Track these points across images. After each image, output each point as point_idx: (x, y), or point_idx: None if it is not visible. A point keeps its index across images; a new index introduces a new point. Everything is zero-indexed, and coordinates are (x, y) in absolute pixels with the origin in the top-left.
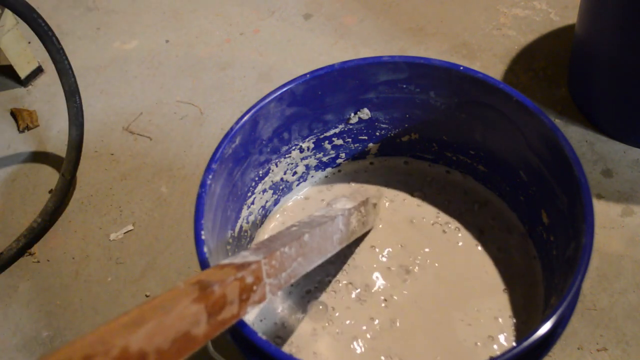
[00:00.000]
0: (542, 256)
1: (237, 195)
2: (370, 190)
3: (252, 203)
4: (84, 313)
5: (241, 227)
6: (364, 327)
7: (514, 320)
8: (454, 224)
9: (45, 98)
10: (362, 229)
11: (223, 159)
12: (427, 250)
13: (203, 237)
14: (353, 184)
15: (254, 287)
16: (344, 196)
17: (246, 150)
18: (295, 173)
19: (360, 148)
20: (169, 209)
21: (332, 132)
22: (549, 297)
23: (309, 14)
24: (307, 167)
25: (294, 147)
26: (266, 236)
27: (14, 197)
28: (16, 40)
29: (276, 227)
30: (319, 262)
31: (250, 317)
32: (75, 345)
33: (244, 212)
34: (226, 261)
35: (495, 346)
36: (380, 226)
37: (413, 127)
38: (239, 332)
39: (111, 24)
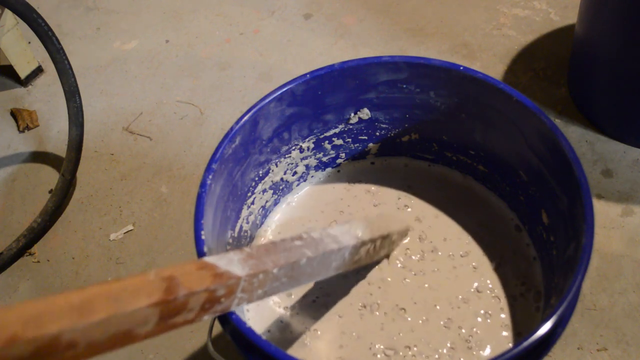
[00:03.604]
0: (542, 256)
1: (237, 195)
2: (398, 223)
3: (252, 203)
4: None
5: (241, 227)
6: (366, 326)
7: (513, 321)
8: (453, 224)
9: (45, 98)
10: (368, 260)
11: (223, 159)
12: (427, 250)
13: (203, 237)
14: (381, 211)
15: (222, 300)
16: (366, 220)
17: (246, 150)
18: (295, 173)
19: (360, 148)
20: (169, 209)
21: (332, 132)
22: (549, 297)
23: (309, 14)
24: (307, 167)
25: (294, 147)
26: (269, 237)
27: (14, 197)
28: (16, 40)
29: (276, 227)
30: (305, 283)
31: (251, 316)
32: (10, 314)
33: (244, 212)
34: (211, 260)
35: (489, 348)
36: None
37: (413, 127)
38: (239, 332)
39: (111, 24)
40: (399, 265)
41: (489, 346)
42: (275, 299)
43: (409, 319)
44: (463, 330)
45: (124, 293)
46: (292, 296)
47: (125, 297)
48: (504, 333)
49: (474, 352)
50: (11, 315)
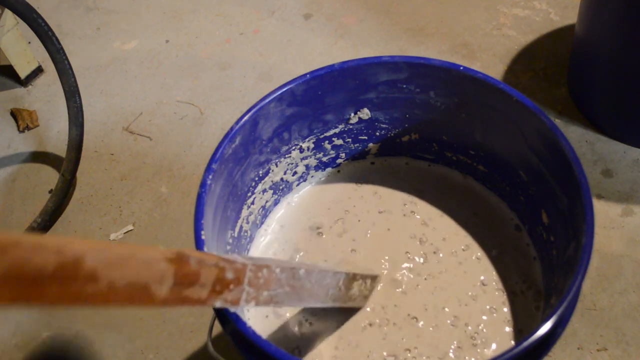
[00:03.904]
0: (542, 256)
1: (237, 195)
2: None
3: (252, 203)
4: (83, 314)
5: (241, 227)
6: (366, 327)
7: (514, 320)
8: (453, 224)
9: (45, 98)
10: (359, 302)
11: (223, 159)
12: (427, 250)
13: (203, 237)
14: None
15: (231, 286)
16: (347, 263)
17: (246, 150)
18: (295, 173)
19: (360, 148)
20: (169, 209)
21: (332, 132)
22: (549, 297)
23: (309, 14)
24: (307, 167)
25: (294, 147)
26: (269, 237)
27: (14, 197)
28: (16, 40)
29: (276, 227)
30: (307, 305)
31: (251, 316)
32: (34, 239)
33: (244, 212)
34: (214, 253)
35: (494, 345)
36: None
37: (413, 127)
38: (239, 332)
39: (111, 24)
40: (408, 273)
41: (493, 343)
42: None
43: (420, 325)
44: (469, 328)
45: (138, 248)
46: None
47: (141, 250)
48: (507, 329)
49: (479, 350)
50: (37, 234)
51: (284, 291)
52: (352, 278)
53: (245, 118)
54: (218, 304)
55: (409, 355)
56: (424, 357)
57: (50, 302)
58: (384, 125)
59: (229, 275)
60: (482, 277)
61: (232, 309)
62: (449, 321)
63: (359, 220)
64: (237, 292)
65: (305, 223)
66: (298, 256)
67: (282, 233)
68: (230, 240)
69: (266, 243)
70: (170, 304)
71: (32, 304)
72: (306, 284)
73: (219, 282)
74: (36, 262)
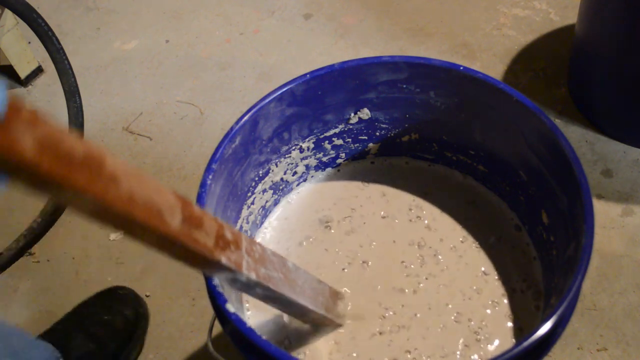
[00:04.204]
0: (542, 256)
1: (237, 195)
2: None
3: (252, 203)
4: None
5: (241, 227)
6: (364, 327)
7: (513, 320)
8: (453, 224)
9: (45, 98)
10: (342, 320)
11: (223, 159)
12: (426, 250)
13: None
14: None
15: (232, 247)
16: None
17: (246, 150)
18: (295, 173)
19: (360, 148)
20: None
21: (332, 132)
22: (549, 297)
23: (309, 14)
24: (307, 167)
25: (294, 147)
26: (269, 237)
27: (14, 197)
28: (16, 40)
29: (276, 227)
30: (302, 302)
31: (251, 315)
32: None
33: (244, 212)
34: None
35: (495, 344)
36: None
37: (413, 127)
38: (239, 332)
39: (111, 24)
40: (406, 274)
41: (496, 339)
42: None
43: (425, 327)
44: (472, 323)
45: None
46: None
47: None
48: (509, 324)
49: (482, 346)
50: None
51: (278, 276)
52: (334, 293)
53: (245, 118)
54: (224, 259)
55: (409, 356)
56: (424, 357)
57: (80, 189)
58: (384, 125)
59: (228, 234)
60: (482, 268)
61: (231, 309)
62: (452, 317)
63: (365, 223)
64: (238, 256)
65: (313, 215)
66: (306, 243)
67: (287, 224)
68: None
69: (270, 235)
70: (184, 239)
71: (66, 187)
72: (297, 280)
73: (221, 238)
74: (67, 142)
